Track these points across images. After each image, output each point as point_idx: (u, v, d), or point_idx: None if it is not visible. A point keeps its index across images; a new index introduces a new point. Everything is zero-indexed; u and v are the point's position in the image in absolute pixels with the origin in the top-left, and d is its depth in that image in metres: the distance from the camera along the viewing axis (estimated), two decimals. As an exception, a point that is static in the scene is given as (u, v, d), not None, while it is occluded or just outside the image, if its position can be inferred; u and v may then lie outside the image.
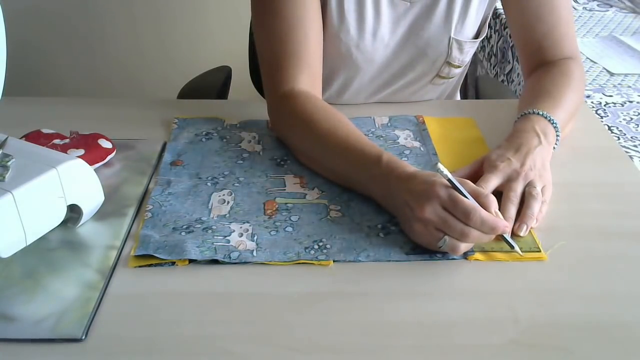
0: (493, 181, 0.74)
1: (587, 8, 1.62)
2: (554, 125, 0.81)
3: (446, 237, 0.65)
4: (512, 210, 0.71)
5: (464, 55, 0.99)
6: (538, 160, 0.76)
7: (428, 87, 1.03)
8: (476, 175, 0.76)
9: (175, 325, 0.59)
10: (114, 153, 0.82)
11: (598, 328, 0.59)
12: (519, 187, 0.73)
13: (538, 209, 0.72)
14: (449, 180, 0.65)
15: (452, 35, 0.95)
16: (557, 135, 0.81)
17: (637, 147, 0.98)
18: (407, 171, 0.70)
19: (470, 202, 0.65)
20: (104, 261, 0.66)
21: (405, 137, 0.88)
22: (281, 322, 0.59)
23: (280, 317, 0.60)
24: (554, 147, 0.81)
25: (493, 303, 0.62)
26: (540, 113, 0.82)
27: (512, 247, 0.68)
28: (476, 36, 0.99)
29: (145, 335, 0.58)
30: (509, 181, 0.74)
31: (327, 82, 1.01)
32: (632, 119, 1.08)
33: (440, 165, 0.65)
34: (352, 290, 0.63)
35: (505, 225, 0.65)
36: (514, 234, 0.70)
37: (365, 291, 0.63)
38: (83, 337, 0.57)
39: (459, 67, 1.01)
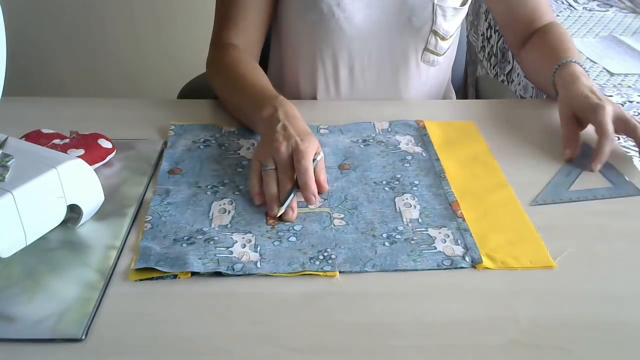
0: (610, 123, 0.83)
1: (587, 8, 1.62)
2: (582, 66, 0.94)
3: (273, 168, 0.74)
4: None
5: (449, 24, 1.02)
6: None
7: (421, 68, 1.05)
8: (575, 127, 0.86)
9: (175, 325, 0.59)
10: (114, 153, 0.82)
11: (598, 328, 0.59)
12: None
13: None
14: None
15: (435, 2, 0.98)
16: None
17: (637, 147, 0.98)
18: (296, 114, 0.81)
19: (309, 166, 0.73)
20: (104, 261, 0.66)
21: (406, 143, 0.88)
22: (281, 322, 0.59)
23: (280, 317, 0.60)
24: None
25: (493, 303, 0.62)
26: (573, 60, 0.94)
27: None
28: (463, 4, 1.02)
29: (145, 335, 0.58)
30: (617, 119, 0.84)
31: (319, 60, 1.03)
32: (632, 119, 1.08)
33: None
34: (352, 291, 0.63)
35: (312, 193, 0.73)
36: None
37: (366, 291, 0.63)
38: (83, 337, 0.57)
39: (444, 38, 1.03)
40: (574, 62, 0.93)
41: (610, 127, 0.82)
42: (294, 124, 0.79)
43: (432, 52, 1.04)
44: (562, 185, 0.80)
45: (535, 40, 1.04)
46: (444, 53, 1.06)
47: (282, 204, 0.72)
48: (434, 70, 1.08)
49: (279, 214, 0.72)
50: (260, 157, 0.76)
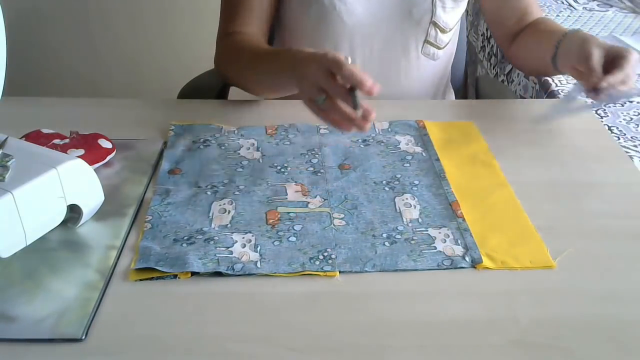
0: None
1: (587, 8, 1.62)
2: None
3: (325, 97, 0.73)
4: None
5: (448, 16, 1.03)
6: None
7: (421, 61, 1.06)
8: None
9: (175, 325, 0.59)
10: (114, 153, 0.82)
11: (598, 328, 0.59)
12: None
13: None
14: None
15: None
16: None
17: (637, 147, 0.99)
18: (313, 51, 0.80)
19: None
20: (104, 261, 0.66)
21: (406, 143, 0.88)
22: (281, 322, 0.59)
23: (280, 317, 0.60)
24: None
25: (493, 303, 0.62)
26: (575, 30, 0.96)
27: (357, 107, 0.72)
28: None
29: (145, 335, 0.58)
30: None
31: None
32: (632, 119, 1.08)
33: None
34: (352, 290, 0.63)
35: (371, 85, 0.71)
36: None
37: (366, 291, 0.63)
38: (83, 337, 0.57)
39: (444, 31, 1.05)
40: (575, 30, 0.96)
41: (631, 72, 0.85)
42: (310, 52, 0.79)
43: (432, 45, 1.06)
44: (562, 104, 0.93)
45: (528, 31, 1.07)
46: (444, 47, 1.08)
47: (355, 107, 0.72)
48: (434, 64, 1.09)
49: (360, 114, 0.72)
50: (308, 95, 0.76)
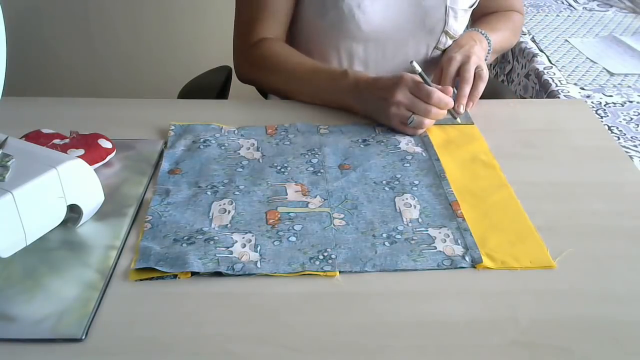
0: (453, 65, 0.95)
1: (587, 8, 1.62)
2: (487, 39, 1.06)
3: (414, 115, 0.86)
4: (466, 89, 0.93)
5: (459, 24, 1.07)
6: (477, 53, 0.98)
7: (430, 64, 1.10)
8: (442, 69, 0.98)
9: (175, 325, 0.59)
10: (114, 153, 0.82)
11: (598, 328, 0.59)
12: (471, 69, 0.94)
13: (482, 89, 0.95)
14: (420, 73, 0.87)
15: (448, 4, 1.03)
16: (489, 47, 1.06)
17: (637, 147, 0.99)
18: (372, 76, 0.91)
19: (430, 87, 0.86)
20: (104, 261, 0.66)
21: (406, 143, 0.88)
22: (281, 322, 0.59)
23: (280, 317, 0.60)
24: (487, 57, 1.05)
25: (493, 303, 0.62)
26: (479, 30, 1.07)
27: (454, 117, 0.91)
28: (471, 6, 1.09)
29: (145, 335, 0.58)
30: (463, 64, 0.95)
31: (335, 55, 1.07)
32: (632, 119, 1.08)
33: (414, 63, 0.87)
34: (352, 290, 0.63)
35: (452, 102, 0.88)
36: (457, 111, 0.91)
37: (366, 291, 0.63)
38: (83, 337, 0.57)
39: (454, 38, 1.08)
40: (479, 30, 1.06)
41: (449, 72, 0.96)
42: (378, 79, 0.90)
43: (442, 50, 1.09)
44: None
45: (489, 15, 1.16)
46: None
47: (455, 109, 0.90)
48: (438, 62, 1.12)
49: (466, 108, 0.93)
50: (400, 119, 0.88)
